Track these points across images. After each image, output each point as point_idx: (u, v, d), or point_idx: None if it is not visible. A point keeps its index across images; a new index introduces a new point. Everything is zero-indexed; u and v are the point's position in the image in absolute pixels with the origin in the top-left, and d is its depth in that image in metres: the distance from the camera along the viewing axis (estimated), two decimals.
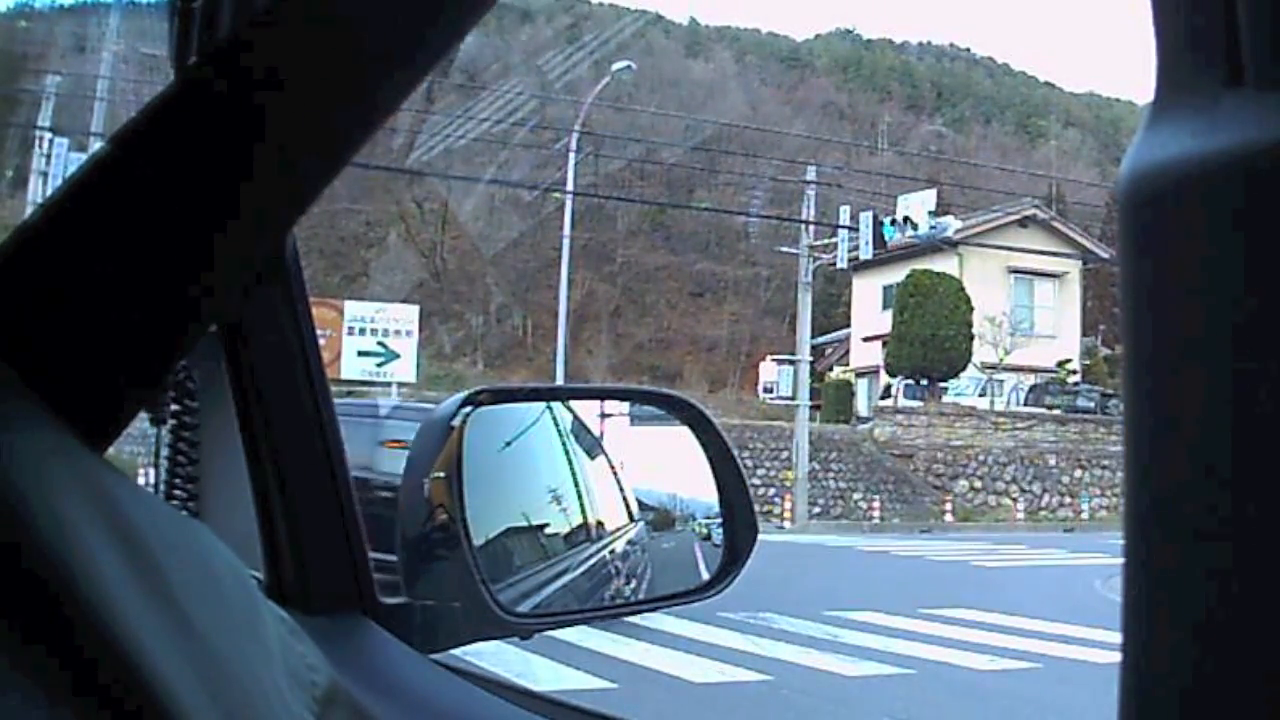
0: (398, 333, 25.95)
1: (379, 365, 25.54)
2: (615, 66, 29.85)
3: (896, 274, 28.67)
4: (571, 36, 41.50)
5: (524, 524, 1.23)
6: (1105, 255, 30.11)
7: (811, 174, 26.63)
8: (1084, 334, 32.72)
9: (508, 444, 1.23)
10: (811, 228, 25.56)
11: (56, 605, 0.28)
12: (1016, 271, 31.10)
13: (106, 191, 0.38)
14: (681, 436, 1.22)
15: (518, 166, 36.52)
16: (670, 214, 46.58)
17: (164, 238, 0.39)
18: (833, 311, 39.41)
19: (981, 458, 25.69)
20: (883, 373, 29.29)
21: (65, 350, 0.37)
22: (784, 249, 28.93)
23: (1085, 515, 24.66)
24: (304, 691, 0.36)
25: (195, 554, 0.35)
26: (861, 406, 30.68)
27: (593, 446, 1.34)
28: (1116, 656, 0.29)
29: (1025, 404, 28.68)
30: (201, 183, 0.39)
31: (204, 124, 0.39)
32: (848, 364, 35.10)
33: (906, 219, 24.29)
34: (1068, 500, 25.54)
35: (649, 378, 39.85)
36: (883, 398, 28.84)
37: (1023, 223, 31.43)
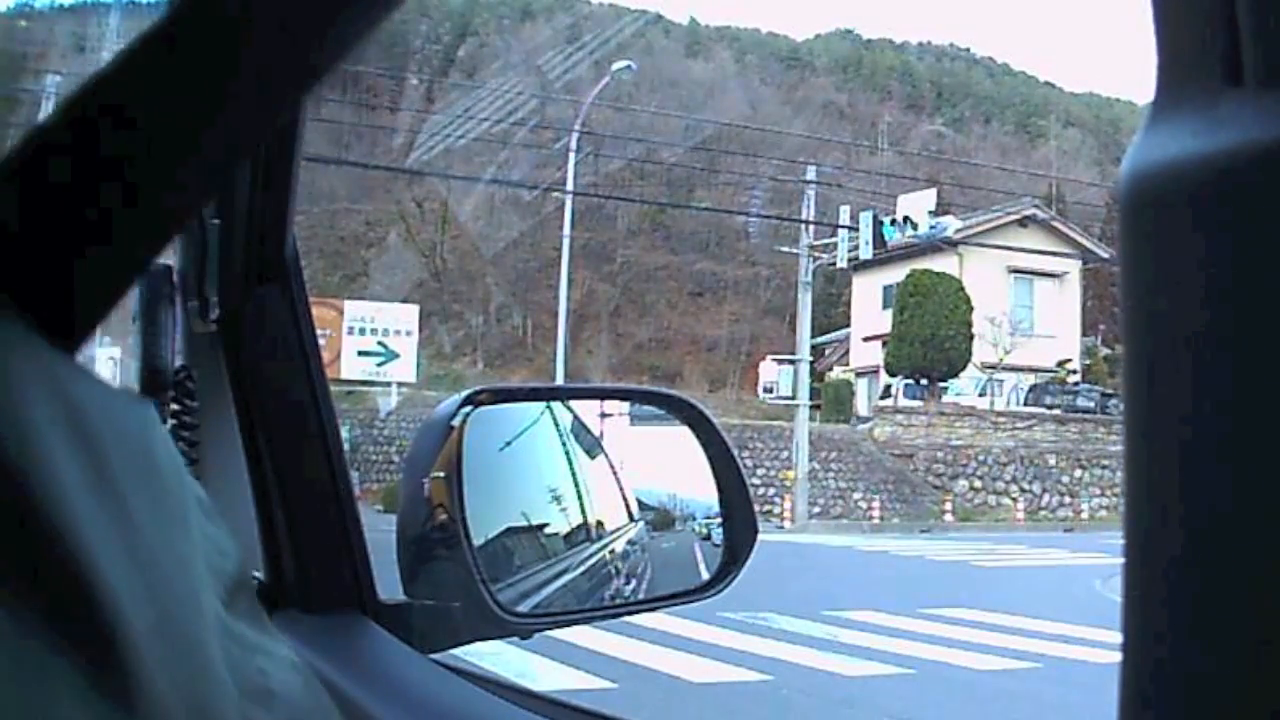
0: (398, 332, 25.96)
1: (379, 365, 25.54)
2: (615, 66, 29.85)
3: (896, 274, 28.68)
4: (571, 36, 41.50)
5: (524, 524, 1.23)
6: (1105, 255, 30.12)
7: (811, 174, 26.64)
8: (1084, 334, 32.72)
9: (507, 444, 1.23)
10: (811, 227, 25.56)
11: (9, 500, 0.29)
12: (1016, 271, 31.10)
13: (87, 103, 0.38)
14: (681, 436, 1.22)
15: (518, 166, 36.54)
16: (670, 214, 46.58)
17: (138, 136, 0.38)
18: (833, 311, 39.42)
19: (981, 458, 25.69)
20: (883, 372, 29.29)
21: (31, 244, 0.36)
22: (784, 249, 28.95)
23: (1085, 515, 24.66)
24: (217, 580, 0.35)
25: (141, 444, 0.35)
26: (861, 406, 30.68)
27: (592, 446, 1.34)
28: (1116, 656, 0.29)
29: (1025, 404, 28.69)
30: (180, 83, 0.38)
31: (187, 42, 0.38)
32: (848, 364, 35.10)
33: (906, 219, 24.29)
34: (1068, 500, 25.55)
35: (649, 377, 39.86)
36: (883, 397, 28.84)
37: (1023, 222, 31.43)
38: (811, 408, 26.07)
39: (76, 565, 0.29)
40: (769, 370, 32.77)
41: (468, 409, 1.08)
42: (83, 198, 0.37)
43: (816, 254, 25.22)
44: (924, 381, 27.27)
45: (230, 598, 0.36)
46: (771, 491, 23.56)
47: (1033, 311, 30.87)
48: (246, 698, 0.34)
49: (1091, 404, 27.43)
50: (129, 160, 0.38)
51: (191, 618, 0.33)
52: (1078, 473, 25.78)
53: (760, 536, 1.23)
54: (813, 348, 27.62)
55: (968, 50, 72.25)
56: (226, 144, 0.41)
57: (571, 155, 27.22)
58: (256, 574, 1.14)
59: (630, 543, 1.33)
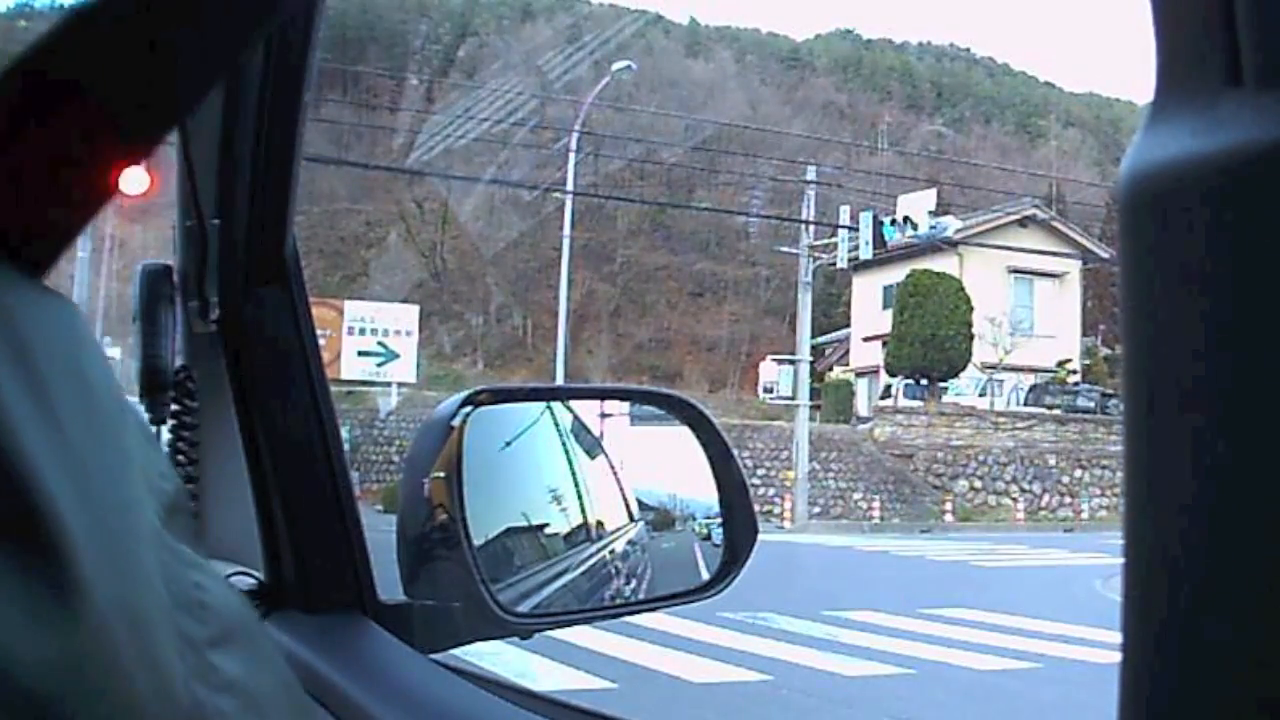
0: (398, 333, 25.96)
1: (379, 365, 25.55)
2: (615, 66, 29.87)
3: (896, 274, 28.68)
4: (572, 36, 41.51)
5: (524, 524, 1.23)
6: (1105, 255, 30.11)
7: (811, 174, 26.64)
8: (1084, 334, 32.72)
9: (508, 444, 1.23)
10: (811, 228, 25.56)
11: None
12: (1016, 271, 31.10)
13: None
14: (681, 436, 1.22)
15: (518, 166, 36.53)
16: (670, 214, 46.59)
17: (103, 55, 0.37)
18: (833, 311, 39.42)
19: (981, 458, 25.69)
20: (883, 372, 29.29)
21: None
22: (784, 249, 28.94)
23: (1085, 515, 24.66)
24: (155, 498, 0.35)
25: (77, 359, 0.34)
26: (861, 406, 30.67)
27: (593, 446, 1.34)
28: (1116, 656, 0.30)
29: (1025, 404, 28.68)
30: None
31: None
32: (848, 364, 35.10)
33: (906, 219, 24.28)
34: (1068, 500, 25.54)
35: (649, 378, 39.86)
36: (883, 398, 28.84)
37: (1023, 223, 31.42)
38: (811, 408, 26.07)
39: (9, 465, 0.28)
40: (769, 370, 32.79)
41: (468, 409, 1.08)
42: (47, 120, 0.36)
43: (816, 254, 25.21)
44: (924, 382, 27.27)
45: (168, 516, 0.36)
46: (771, 491, 23.56)
47: (1033, 312, 30.87)
48: (180, 609, 0.34)
49: (1091, 404, 27.42)
50: (96, 80, 0.37)
51: (127, 525, 0.33)
52: (1078, 473, 25.78)
53: (760, 536, 1.23)
54: (813, 348, 27.61)
55: (968, 50, 72.27)
56: (196, 66, 0.40)
57: (571, 155, 27.24)
58: (257, 574, 1.14)
59: (630, 543, 1.33)
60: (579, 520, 1.28)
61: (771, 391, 31.63)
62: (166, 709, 0.31)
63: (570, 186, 27.65)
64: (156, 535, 0.34)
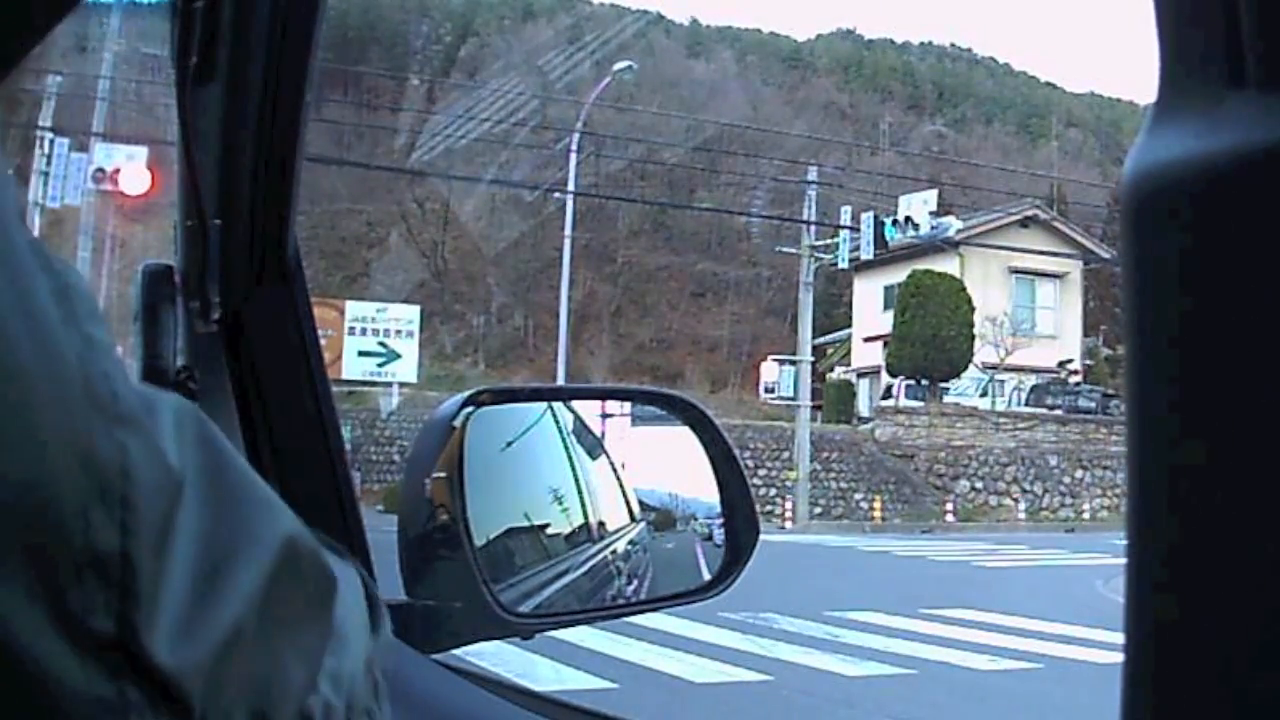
0: (399, 333, 25.97)
1: (380, 365, 25.56)
2: (617, 67, 29.87)
3: (898, 274, 28.67)
4: (573, 36, 41.52)
5: (525, 524, 1.22)
6: (1107, 256, 30.13)
7: (813, 174, 26.65)
8: (1085, 334, 32.71)
9: (509, 444, 1.23)
10: (813, 228, 25.57)
11: None
12: (1018, 272, 31.10)
13: None
14: (683, 437, 1.22)
15: (519, 166, 36.56)
16: (671, 214, 46.61)
17: None
18: (834, 312, 39.40)
19: (983, 458, 25.68)
20: (884, 373, 29.29)
21: None
22: (785, 249, 28.95)
23: (1087, 516, 24.65)
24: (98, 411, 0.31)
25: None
26: (863, 407, 30.69)
27: (594, 447, 1.34)
28: (1118, 657, 0.30)
29: (1026, 404, 28.67)
30: None
31: None
32: (849, 364, 35.10)
33: (908, 219, 24.29)
34: (1069, 500, 25.54)
35: (650, 378, 39.85)
36: (884, 398, 28.83)
37: (1024, 223, 31.43)
38: (813, 408, 26.09)
39: None
40: (770, 371, 32.78)
41: (469, 409, 1.08)
42: None
43: (818, 254, 25.22)
44: (925, 382, 27.27)
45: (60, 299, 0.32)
46: (773, 492, 23.56)
47: (1034, 312, 30.89)
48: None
49: (1093, 405, 27.41)
50: None
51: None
52: (1079, 473, 25.77)
53: (761, 537, 1.23)
54: (814, 348, 27.62)
55: (969, 50, 72.30)
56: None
57: (573, 155, 27.25)
58: None
59: (632, 543, 1.33)
60: (580, 520, 1.28)
61: (773, 392, 31.63)
62: (46, 354, 0.29)
63: (571, 187, 27.66)
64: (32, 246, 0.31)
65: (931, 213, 24.65)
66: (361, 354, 25.34)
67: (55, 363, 0.29)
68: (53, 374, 0.29)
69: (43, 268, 0.30)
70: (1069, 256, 31.09)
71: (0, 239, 0.28)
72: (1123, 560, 0.29)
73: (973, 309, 26.82)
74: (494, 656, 4.80)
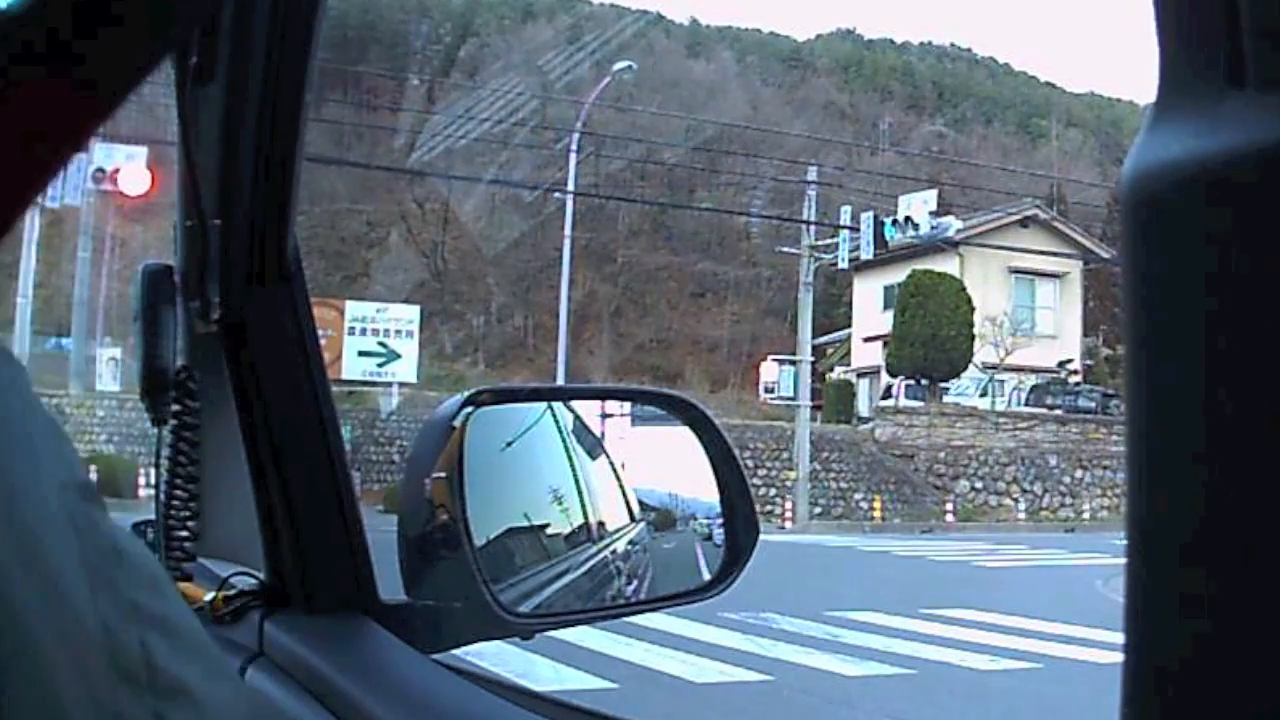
0: (399, 333, 25.96)
1: (380, 365, 25.55)
2: (616, 66, 29.89)
3: (897, 274, 28.66)
4: (572, 36, 41.51)
5: (525, 524, 1.23)
6: (1107, 256, 30.09)
7: (813, 174, 26.66)
8: (1085, 334, 32.69)
9: (509, 444, 1.23)
10: (813, 228, 25.57)
11: None
12: (1018, 272, 31.08)
13: None
14: (683, 437, 1.22)
15: (519, 166, 36.54)
16: (671, 214, 46.58)
17: None
18: (834, 312, 39.36)
19: (982, 458, 25.68)
20: (884, 373, 29.28)
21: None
22: (785, 249, 28.96)
23: (1087, 516, 24.65)
24: (70, 485, 0.32)
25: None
26: (862, 407, 30.66)
27: (594, 447, 1.34)
28: (1118, 657, 0.29)
29: (1026, 404, 28.66)
30: None
31: None
32: (849, 364, 35.09)
33: (907, 219, 24.29)
34: (1069, 500, 25.53)
35: (650, 378, 39.83)
36: (884, 398, 28.83)
37: (1024, 223, 31.41)
38: (812, 408, 26.08)
39: None
40: (770, 371, 32.76)
41: (469, 409, 1.08)
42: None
43: (817, 254, 25.22)
44: (925, 382, 27.26)
45: (82, 498, 0.34)
46: (772, 492, 23.55)
47: (1034, 312, 30.86)
48: (95, 554, 0.32)
49: (1093, 404, 27.39)
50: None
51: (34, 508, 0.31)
52: (1079, 473, 25.76)
53: (761, 537, 1.23)
54: (814, 348, 27.61)
55: (969, 50, 72.24)
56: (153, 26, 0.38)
57: (572, 155, 27.26)
58: (258, 574, 1.14)
59: (632, 543, 1.33)
60: (580, 520, 1.28)
61: (772, 392, 31.61)
62: (62, 623, 0.30)
63: (571, 187, 27.66)
64: (70, 515, 0.33)
65: (931, 213, 24.64)
66: (361, 354, 25.33)
67: (72, 632, 0.29)
68: (69, 643, 0.29)
69: (79, 533, 0.31)
70: (1069, 256, 31.07)
71: (27, 519, 0.29)
72: (1123, 560, 0.29)
73: (972, 309, 26.81)
74: (494, 656, 4.79)
